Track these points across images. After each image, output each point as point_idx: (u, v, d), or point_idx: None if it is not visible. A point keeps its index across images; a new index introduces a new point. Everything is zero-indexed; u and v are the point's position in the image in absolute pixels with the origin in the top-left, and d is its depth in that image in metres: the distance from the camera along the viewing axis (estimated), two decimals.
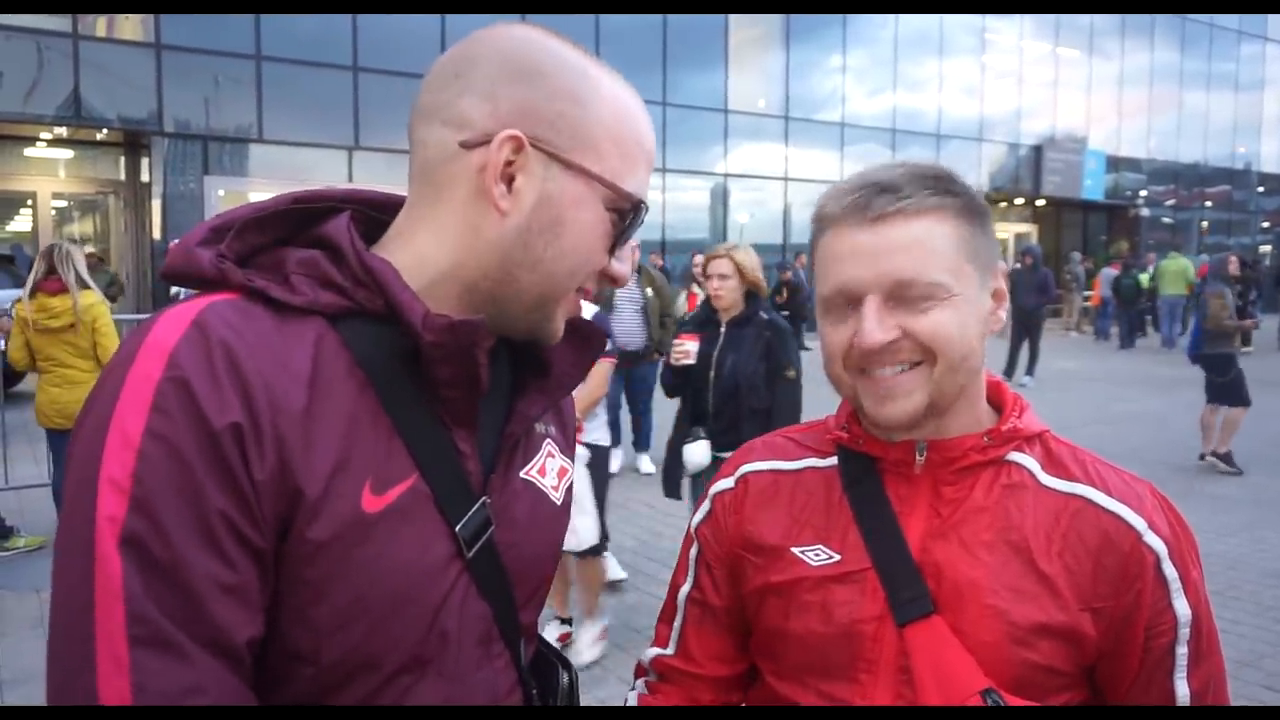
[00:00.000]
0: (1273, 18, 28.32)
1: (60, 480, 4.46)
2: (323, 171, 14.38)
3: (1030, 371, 12.80)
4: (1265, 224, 30.59)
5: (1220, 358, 7.75)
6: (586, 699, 1.18)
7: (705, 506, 1.17)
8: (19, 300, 5.21)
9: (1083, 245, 25.53)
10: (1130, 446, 8.36)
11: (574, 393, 1.07)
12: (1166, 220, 27.95)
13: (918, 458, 1.02)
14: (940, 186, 0.98)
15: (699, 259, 4.13)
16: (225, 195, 13.97)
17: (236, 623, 0.74)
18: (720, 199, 19.71)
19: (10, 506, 5.87)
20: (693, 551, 1.17)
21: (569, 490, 1.04)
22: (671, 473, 4.31)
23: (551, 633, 4.18)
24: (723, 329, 4.04)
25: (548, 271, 0.87)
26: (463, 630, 0.87)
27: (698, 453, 4.01)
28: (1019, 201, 25.24)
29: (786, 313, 12.91)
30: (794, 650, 1.04)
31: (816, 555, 1.04)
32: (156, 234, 13.74)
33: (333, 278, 0.84)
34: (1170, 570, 0.96)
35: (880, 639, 0.98)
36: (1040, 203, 25.49)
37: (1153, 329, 19.64)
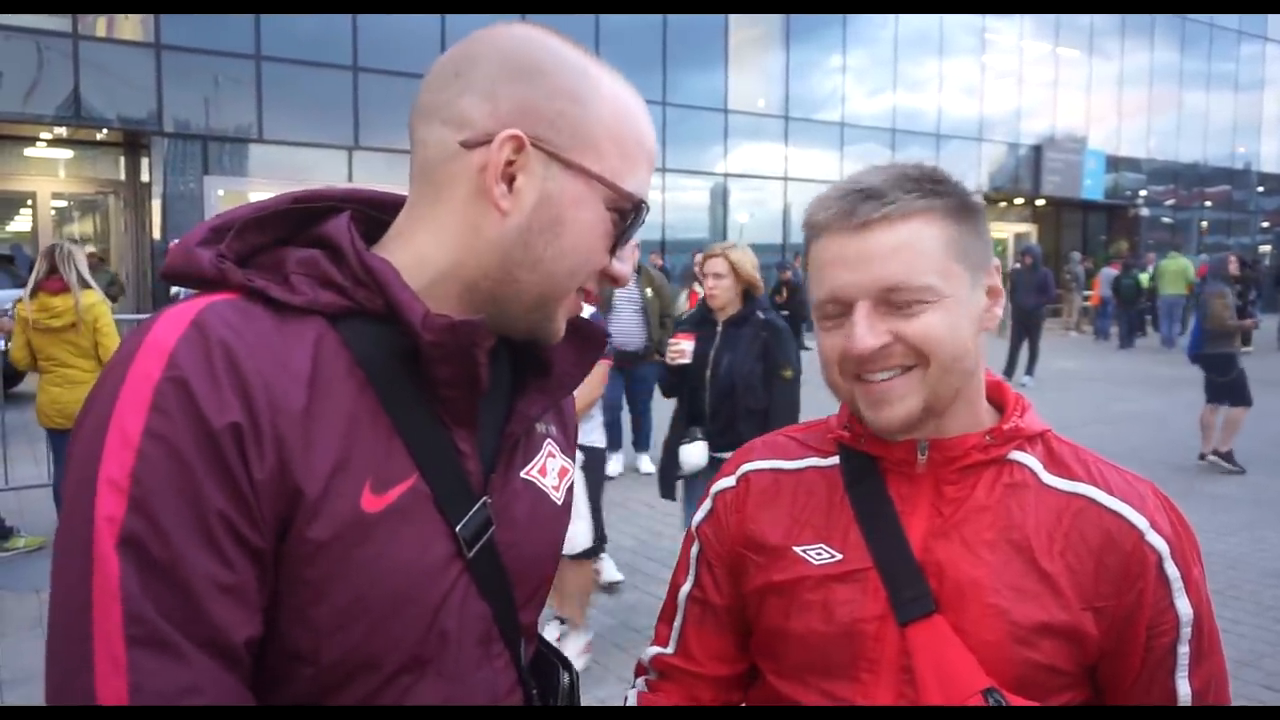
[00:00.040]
0: (1273, 18, 28.33)
1: (61, 480, 4.46)
2: (322, 171, 14.38)
3: (1030, 371, 12.80)
4: (1265, 224, 30.61)
5: (1222, 357, 7.75)
6: (586, 699, 1.18)
7: (707, 505, 1.17)
8: (20, 300, 5.21)
9: (1082, 245, 25.54)
10: (1130, 446, 8.36)
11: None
12: (1166, 220, 27.96)
13: (920, 457, 1.02)
14: (926, 188, 0.98)
15: (699, 258, 4.15)
16: (225, 195, 13.98)
17: (234, 622, 0.74)
18: (720, 199, 19.72)
19: (10, 507, 5.87)
20: (694, 550, 1.17)
21: (570, 490, 1.04)
22: (667, 473, 4.30)
23: (551, 632, 4.18)
24: (719, 328, 4.04)
25: (548, 271, 0.87)
26: (463, 630, 0.87)
27: (695, 453, 4.00)
28: (1019, 201, 25.25)
29: (786, 312, 12.89)
30: (795, 650, 1.04)
31: (818, 554, 1.03)
32: (156, 234, 13.74)
33: (332, 277, 0.83)
34: (1172, 569, 0.96)
35: (882, 638, 0.98)
36: (1040, 202, 25.50)
37: (1152, 329, 19.64)
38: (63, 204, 15.69)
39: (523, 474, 0.96)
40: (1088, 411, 10.40)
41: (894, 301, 0.96)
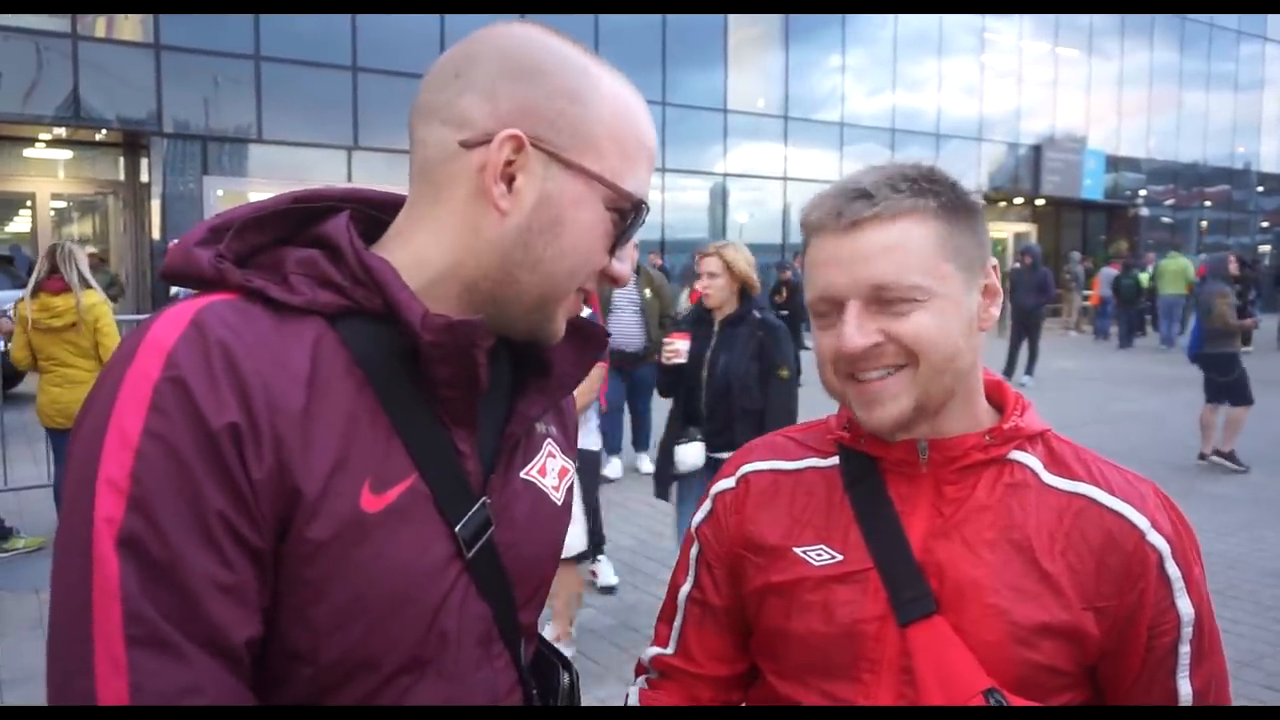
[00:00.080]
0: (1272, 18, 28.33)
1: (62, 480, 4.46)
2: (322, 171, 14.38)
3: (1030, 371, 12.81)
4: (1264, 224, 30.61)
5: (1223, 357, 7.76)
6: (586, 699, 1.17)
7: (706, 506, 1.17)
8: (21, 300, 5.22)
9: (1082, 245, 25.55)
10: (1129, 446, 8.36)
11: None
12: (1166, 220, 27.97)
13: (921, 458, 1.02)
14: (917, 188, 0.98)
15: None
16: (224, 195, 13.97)
17: (234, 622, 0.74)
18: (719, 198, 19.72)
19: (9, 507, 5.86)
20: (693, 551, 1.17)
21: (570, 490, 1.04)
22: (663, 473, 4.29)
23: (551, 632, 4.17)
24: (715, 328, 4.03)
25: (548, 271, 0.87)
26: (462, 630, 0.87)
27: (692, 453, 3.98)
28: (1018, 201, 25.25)
29: (785, 312, 12.88)
30: (796, 650, 1.04)
31: (818, 555, 1.03)
32: (156, 234, 13.74)
33: (331, 277, 0.83)
34: (1173, 569, 0.96)
35: (882, 639, 0.98)
36: (1040, 202, 25.50)
37: (1152, 329, 19.65)
38: (62, 204, 15.68)
39: (522, 474, 0.96)
40: (1087, 411, 10.41)
41: (884, 301, 0.96)
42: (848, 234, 0.97)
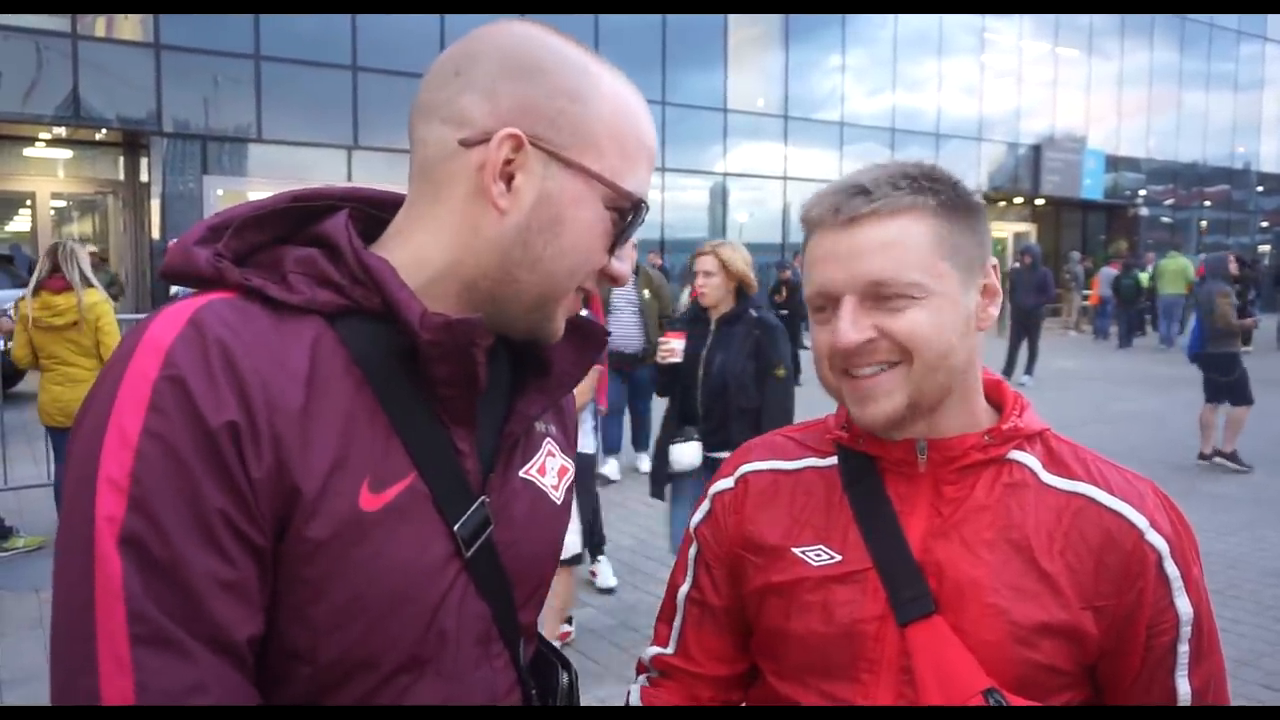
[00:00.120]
0: (1272, 18, 28.33)
1: (62, 478, 4.45)
2: (322, 171, 14.37)
3: (1029, 371, 12.81)
4: (1264, 223, 30.61)
5: (1225, 357, 7.76)
6: (586, 698, 1.17)
7: (705, 506, 1.17)
8: (22, 298, 5.23)
9: (1082, 245, 25.55)
10: (1129, 445, 8.36)
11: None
12: (1165, 220, 27.96)
13: (920, 457, 1.02)
14: (917, 186, 0.98)
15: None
16: (224, 195, 13.97)
17: (236, 620, 0.74)
18: (719, 198, 19.71)
19: (9, 507, 5.86)
20: (692, 551, 1.17)
21: (570, 489, 1.04)
22: (658, 473, 4.29)
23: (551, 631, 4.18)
24: (712, 327, 4.02)
25: (547, 271, 0.87)
26: (461, 630, 0.87)
27: (688, 453, 3.97)
28: (1018, 201, 25.25)
29: (785, 312, 12.87)
30: (795, 650, 1.03)
31: (817, 555, 1.03)
32: (155, 234, 13.73)
33: (330, 276, 0.83)
34: (1172, 568, 0.96)
35: (882, 639, 0.98)
36: (1039, 202, 25.50)
37: (1151, 328, 19.65)
38: (62, 204, 15.68)
39: (522, 473, 0.95)
40: (1087, 411, 10.41)
41: (879, 297, 0.96)
42: (845, 230, 0.98)
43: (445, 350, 0.82)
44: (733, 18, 18.81)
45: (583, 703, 1.10)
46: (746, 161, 19.77)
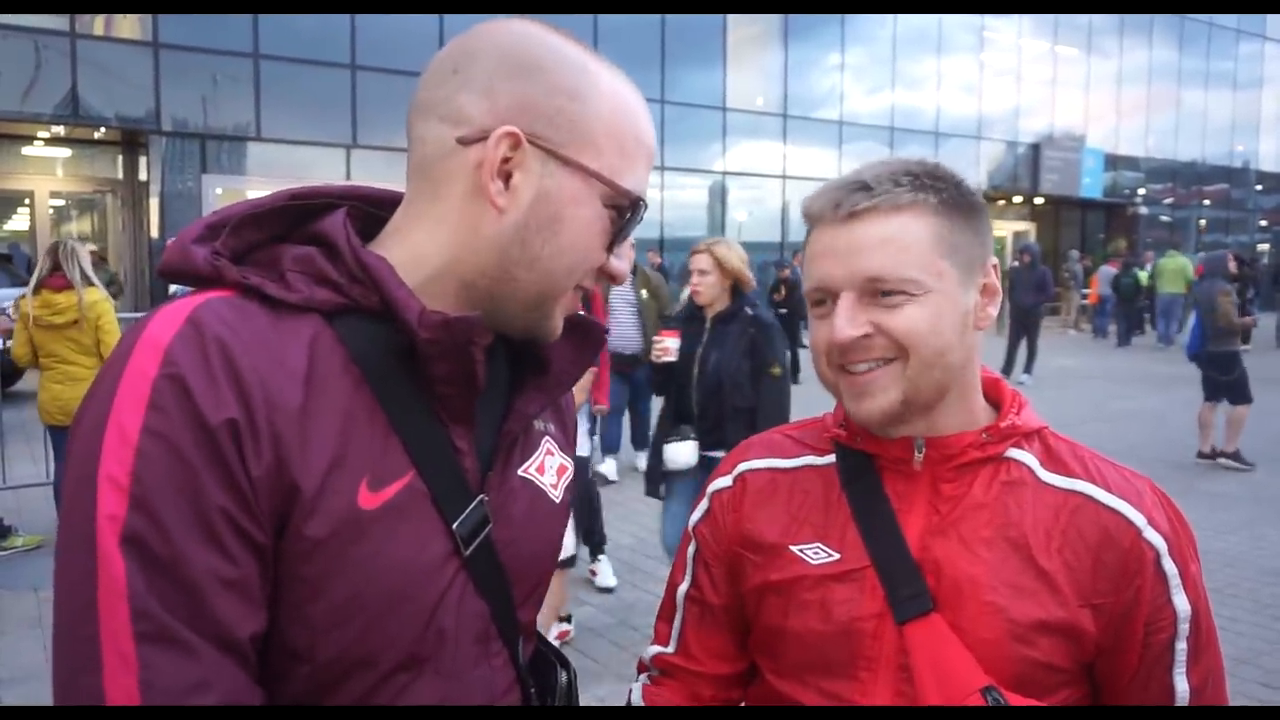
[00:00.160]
0: (1271, 17, 28.32)
1: (62, 477, 4.45)
2: (321, 170, 14.36)
3: (1028, 369, 12.81)
4: (1263, 222, 30.61)
5: (1225, 355, 7.77)
6: (585, 697, 1.17)
7: (703, 505, 1.17)
8: (22, 297, 5.23)
9: (1081, 243, 25.55)
10: (1128, 444, 8.37)
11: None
12: (1164, 218, 27.96)
13: (917, 455, 1.02)
14: (918, 183, 0.98)
15: None
16: (223, 194, 13.95)
17: (239, 617, 0.74)
18: (718, 197, 19.70)
19: (8, 506, 5.86)
20: (690, 550, 1.17)
21: (569, 488, 1.04)
22: (654, 471, 4.28)
23: (550, 631, 4.18)
24: (707, 325, 4.01)
25: (545, 269, 0.87)
26: (460, 628, 0.87)
27: (684, 452, 3.96)
28: (1017, 199, 25.24)
29: (784, 310, 12.87)
30: (793, 648, 1.04)
31: (815, 553, 1.03)
32: (154, 232, 13.71)
33: (328, 274, 0.83)
34: (1170, 566, 0.96)
35: (880, 637, 0.98)
36: (1038, 201, 25.49)
37: (1150, 327, 19.66)
38: (60, 203, 15.66)
39: (520, 472, 0.95)
40: (1086, 409, 10.41)
41: (877, 293, 0.96)
42: (845, 225, 0.98)
43: (444, 348, 0.82)
44: (732, 17, 18.79)
45: (582, 702, 1.10)
46: (745, 160, 19.75)
